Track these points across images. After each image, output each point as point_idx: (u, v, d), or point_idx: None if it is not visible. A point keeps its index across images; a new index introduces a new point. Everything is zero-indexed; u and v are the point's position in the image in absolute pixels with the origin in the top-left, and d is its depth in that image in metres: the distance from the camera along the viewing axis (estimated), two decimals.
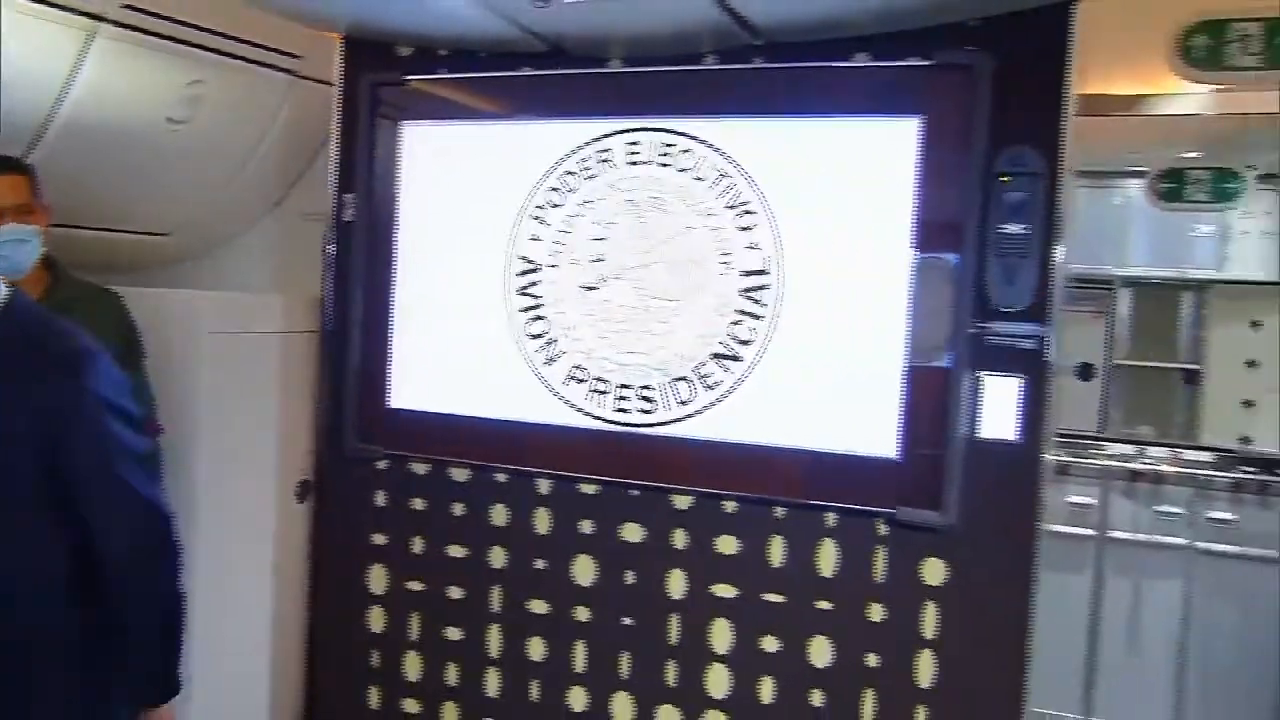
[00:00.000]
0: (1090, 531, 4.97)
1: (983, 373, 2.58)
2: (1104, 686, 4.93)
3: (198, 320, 3.19)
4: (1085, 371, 5.56)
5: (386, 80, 3.08)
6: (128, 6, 2.79)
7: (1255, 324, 5.06)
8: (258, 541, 3.41)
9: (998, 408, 2.57)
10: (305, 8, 2.89)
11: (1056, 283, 2.54)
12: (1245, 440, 5.03)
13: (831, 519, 2.73)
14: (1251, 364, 5.07)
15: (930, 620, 2.65)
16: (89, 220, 3.13)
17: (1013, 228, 2.53)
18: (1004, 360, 2.57)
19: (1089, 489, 4.97)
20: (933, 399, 2.59)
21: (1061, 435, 5.30)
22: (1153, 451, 5.21)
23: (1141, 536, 4.90)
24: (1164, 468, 4.98)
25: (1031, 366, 2.56)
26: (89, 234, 3.19)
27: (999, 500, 2.60)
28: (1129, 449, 5.26)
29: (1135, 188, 4.91)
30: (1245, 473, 4.68)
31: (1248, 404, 5.07)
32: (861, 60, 2.64)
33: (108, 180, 3.16)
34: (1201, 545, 4.83)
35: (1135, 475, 4.92)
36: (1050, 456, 5.02)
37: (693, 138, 2.76)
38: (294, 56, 3.35)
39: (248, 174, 3.59)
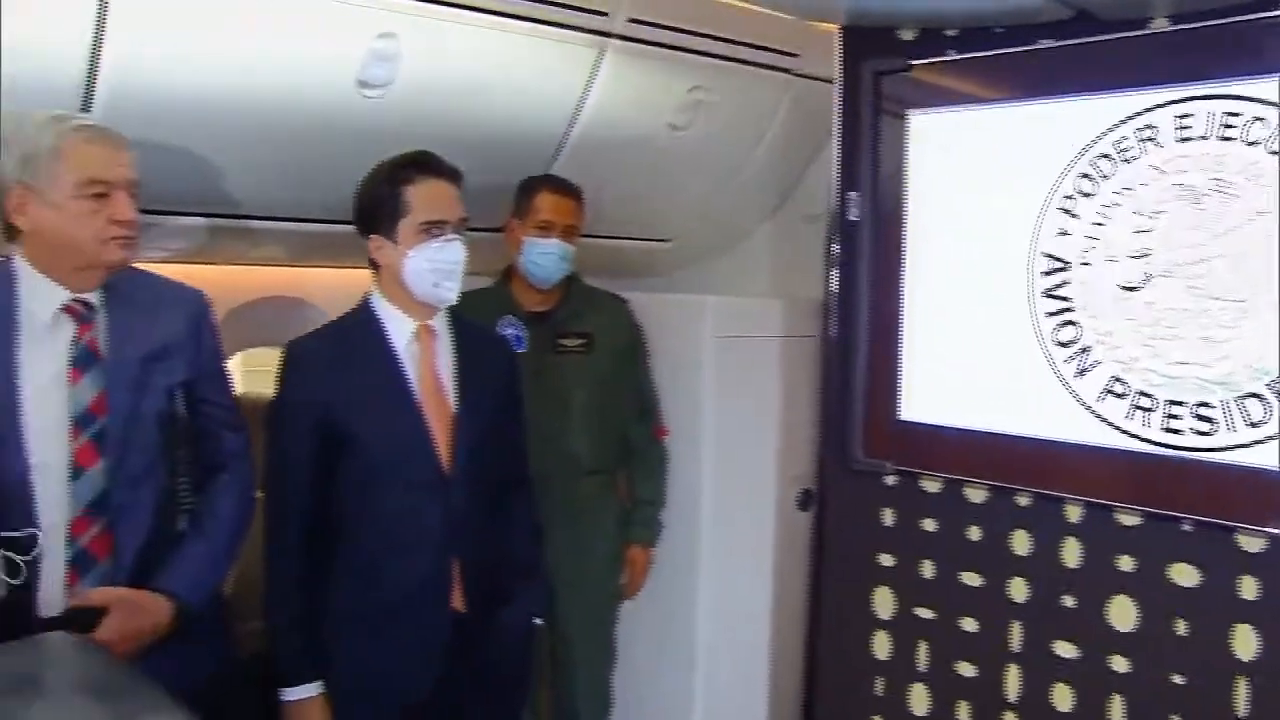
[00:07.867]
0: None
1: None
2: None
3: (702, 324, 3.26)
4: None
5: (890, 68, 2.88)
6: (634, 20, 2.85)
7: None
8: (759, 546, 3.44)
9: None
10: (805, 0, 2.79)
11: None
12: None
13: None
14: None
15: None
16: (598, 229, 3.25)
17: None
18: None
19: None
20: None
21: None
22: None
23: None
24: None
25: None
26: (597, 242, 3.32)
27: None
28: None
29: None
30: None
31: None
32: None
33: (615, 190, 3.28)
34: None
35: None
36: None
37: (1267, 103, 2.26)
38: (791, 55, 3.29)
39: (746, 177, 3.60)
